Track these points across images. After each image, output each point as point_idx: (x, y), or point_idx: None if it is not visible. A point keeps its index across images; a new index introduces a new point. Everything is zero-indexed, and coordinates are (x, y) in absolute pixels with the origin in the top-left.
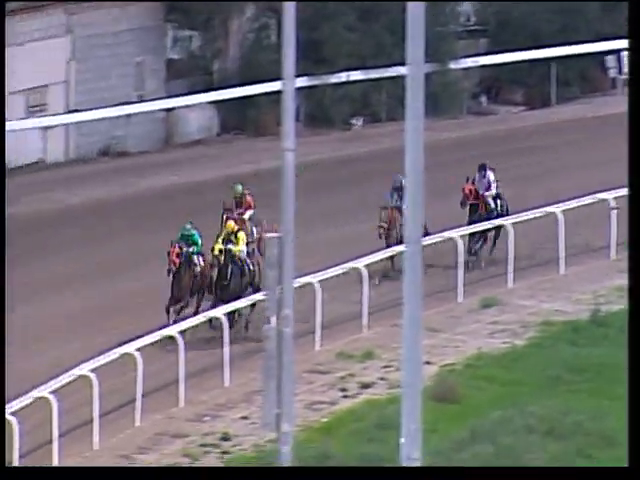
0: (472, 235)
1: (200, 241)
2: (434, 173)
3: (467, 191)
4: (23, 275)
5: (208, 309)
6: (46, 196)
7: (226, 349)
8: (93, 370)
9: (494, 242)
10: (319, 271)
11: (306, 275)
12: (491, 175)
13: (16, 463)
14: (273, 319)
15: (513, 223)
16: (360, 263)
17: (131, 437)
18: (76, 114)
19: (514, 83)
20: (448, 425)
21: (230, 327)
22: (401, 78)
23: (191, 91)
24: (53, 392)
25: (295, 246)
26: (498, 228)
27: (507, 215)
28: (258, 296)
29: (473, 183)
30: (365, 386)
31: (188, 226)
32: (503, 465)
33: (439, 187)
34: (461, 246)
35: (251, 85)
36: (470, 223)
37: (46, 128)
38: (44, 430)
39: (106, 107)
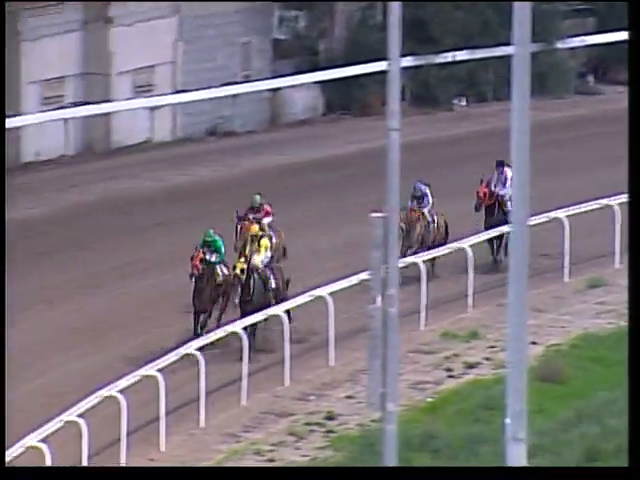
0: (490, 241)
1: (223, 248)
2: (542, 152)
3: (481, 194)
4: (140, 251)
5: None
6: (153, 175)
7: (331, 329)
8: (199, 349)
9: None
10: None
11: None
12: (508, 172)
13: (124, 439)
14: (378, 299)
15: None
16: (465, 243)
17: (237, 416)
18: (183, 94)
19: (621, 63)
20: (553, 405)
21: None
22: (507, 57)
23: (297, 71)
24: (160, 370)
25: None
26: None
27: None
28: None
29: (487, 185)
30: (470, 366)
31: (211, 231)
32: (607, 447)
33: (548, 166)
34: (567, 228)
35: (356, 65)
36: (487, 228)
37: (153, 108)
38: (151, 408)
39: (213, 87)
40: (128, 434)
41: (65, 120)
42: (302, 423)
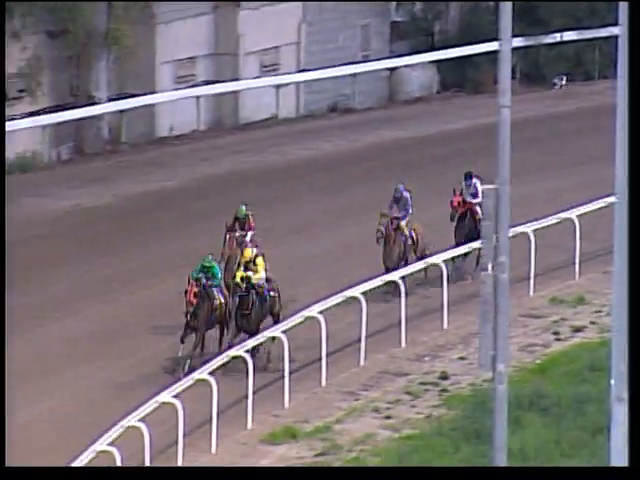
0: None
1: (220, 274)
2: None
3: (455, 203)
4: (265, 221)
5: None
6: (278, 149)
7: (445, 295)
8: (321, 312)
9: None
10: (534, 220)
11: (521, 225)
12: (477, 183)
13: (250, 398)
14: (489, 266)
15: None
16: (572, 213)
17: (356, 375)
18: (306, 73)
19: None
20: None
21: (252, 357)
22: (614, 38)
23: (413, 51)
24: (284, 332)
25: (511, 197)
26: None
27: None
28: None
29: (461, 194)
30: (577, 330)
31: (209, 258)
32: None
33: None
34: None
35: (470, 46)
36: (458, 234)
37: (278, 86)
38: (276, 365)
39: (334, 67)
40: (254, 392)
41: (197, 98)
42: (417, 382)
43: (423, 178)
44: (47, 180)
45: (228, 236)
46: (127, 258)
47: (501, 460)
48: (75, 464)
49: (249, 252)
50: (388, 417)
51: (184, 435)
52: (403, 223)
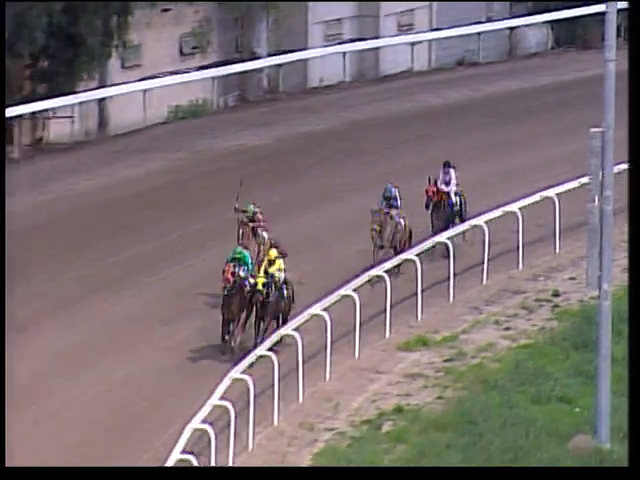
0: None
1: (251, 263)
2: None
3: (430, 193)
4: (399, 160)
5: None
6: (413, 97)
7: (557, 223)
8: (449, 238)
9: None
10: None
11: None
12: (452, 172)
13: (388, 312)
14: (596, 199)
15: None
16: None
17: (479, 292)
18: (437, 32)
19: None
20: None
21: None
22: None
23: (531, 12)
24: (417, 255)
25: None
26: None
27: (463, 214)
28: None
29: (435, 183)
30: None
31: (239, 249)
32: None
33: None
34: None
35: (580, 7)
36: (435, 221)
37: (413, 43)
38: (411, 285)
39: (461, 26)
40: (392, 307)
41: (343, 53)
42: (532, 299)
43: (540, 121)
44: (215, 124)
45: (241, 231)
46: (282, 191)
47: (605, 367)
48: (241, 365)
49: (273, 253)
50: (507, 329)
51: (332, 342)
52: (394, 212)
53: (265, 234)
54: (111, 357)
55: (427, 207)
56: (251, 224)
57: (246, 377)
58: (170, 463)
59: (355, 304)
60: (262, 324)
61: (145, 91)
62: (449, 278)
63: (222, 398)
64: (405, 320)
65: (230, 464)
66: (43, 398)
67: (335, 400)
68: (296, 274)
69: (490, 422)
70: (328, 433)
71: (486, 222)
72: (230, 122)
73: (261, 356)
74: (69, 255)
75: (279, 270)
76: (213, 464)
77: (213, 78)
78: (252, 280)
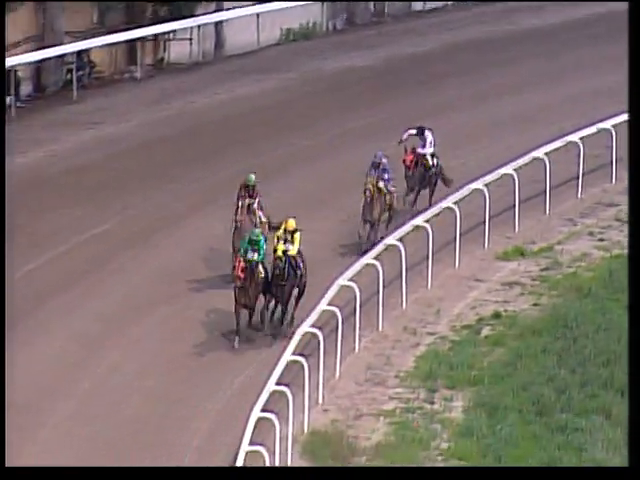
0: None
1: (265, 247)
2: None
3: (408, 162)
4: (494, 79)
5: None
6: (510, 20)
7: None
8: (546, 154)
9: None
10: None
11: None
12: (429, 136)
13: (487, 224)
14: None
15: None
16: None
17: (574, 205)
18: None
19: None
20: None
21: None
22: None
23: None
24: (515, 170)
25: None
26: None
27: (438, 176)
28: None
29: (413, 151)
30: None
31: (257, 231)
32: None
33: None
34: None
35: None
36: (410, 182)
37: None
38: (509, 199)
39: None
40: (490, 219)
41: None
42: (625, 212)
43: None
44: (324, 46)
45: (240, 203)
46: (388, 108)
47: None
48: (347, 273)
49: (292, 223)
50: (601, 240)
51: (433, 253)
52: (382, 184)
53: (261, 213)
54: None
55: (406, 176)
56: (247, 200)
57: (352, 284)
58: (282, 364)
59: (455, 216)
60: (280, 306)
61: (258, 15)
62: (545, 192)
63: (330, 304)
64: (503, 232)
65: (338, 365)
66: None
67: (436, 306)
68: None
69: (584, 327)
70: (430, 337)
71: (581, 139)
72: (338, 44)
73: (367, 264)
74: (191, 165)
75: (298, 242)
76: (322, 365)
77: (323, 2)
78: (262, 272)
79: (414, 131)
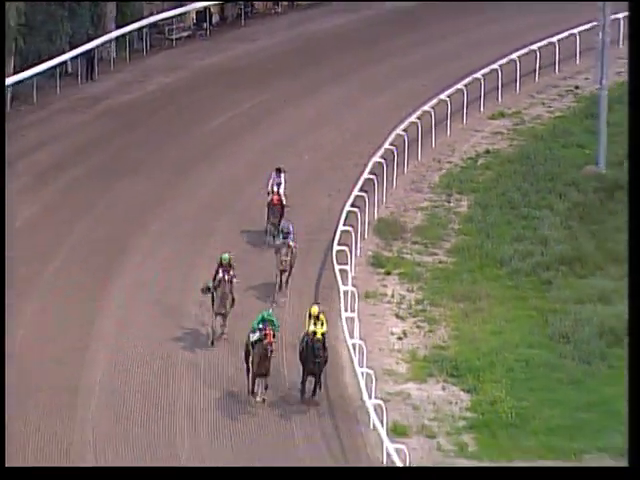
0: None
1: (277, 323)
2: None
3: (276, 201)
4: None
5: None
6: None
7: (577, 45)
8: (518, 57)
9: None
10: None
11: None
12: (282, 176)
13: None
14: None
15: None
16: None
17: (535, 86)
18: None
19: None
20: None
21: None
22: None
23: None
24: (497, 67)
25: None
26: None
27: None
28: None
29: (277, 192)
30: None
31: (268, 312)
32: None
33: None
34: None
35: None
36: (272, 216)
37: None
38: (495, 84)
39: None
40: (485, 96)
41: None
42: (564, 90)
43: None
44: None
45: (221, 271)
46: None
47: (603, 115)
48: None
49: (316, 309)
50: (549, 107)
51: (451, 116)
52: (290, 242)
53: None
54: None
55: (268, 209)
56: (228, 275)
57: (402, 133)
58: (362, 180)
59: (463, 94)
60: (314, 378)
61: None
62: (515, 80)
63: (390, 145)
64: (492, 103)
65: (394, 180)
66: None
67: (452, 146)
68: None
69: (538, 158)
70: (448, 164)
71: (539, 48)
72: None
73: (410, 122)
74: (313, 63)
75: (323, 324)
76: (385, 180)
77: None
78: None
79: (274, 174)
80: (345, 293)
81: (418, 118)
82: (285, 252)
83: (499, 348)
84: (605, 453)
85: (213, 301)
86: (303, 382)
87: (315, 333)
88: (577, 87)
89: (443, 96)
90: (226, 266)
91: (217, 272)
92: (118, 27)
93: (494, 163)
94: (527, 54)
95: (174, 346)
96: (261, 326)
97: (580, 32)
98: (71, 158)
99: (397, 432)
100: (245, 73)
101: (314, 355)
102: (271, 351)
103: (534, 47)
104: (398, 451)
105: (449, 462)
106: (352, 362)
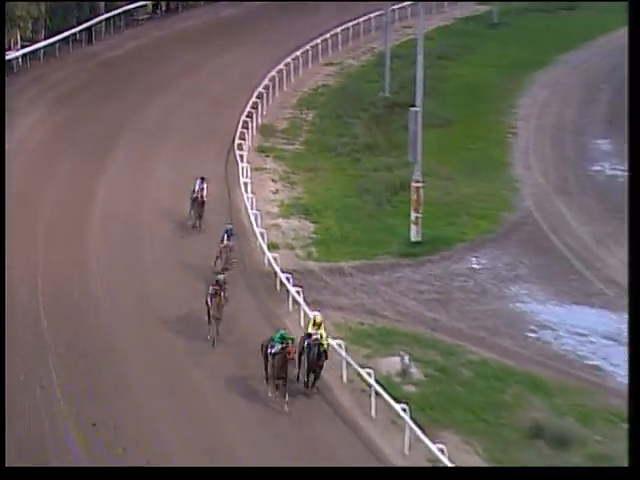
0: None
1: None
2: None
3: (199, 199)
4: None
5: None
6: None
7: None
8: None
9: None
10: None
11: None
12: (204, 184)
13: None
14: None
15: None
16: None
17: (345, 50)
18: None
19: None
20: None
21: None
22: None
23: None
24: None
25: None
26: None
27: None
28: None
29: (201, 194)
30: None
31: (285, 332)
32: None
33: None
34: None
35: None
36: (195, 211)
37: None
38: (331, 45)
39: None
40: (320, 54)
41: None
42: (369, 52)
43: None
44: None
45: (214, 290)
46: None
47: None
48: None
49: (319, 318)
50: (360, 60)
51: (303, 67)
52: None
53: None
54: None
55: (192, 205)
56: (221, 290)
57: (274, 74)
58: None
59: (309, 51)
60: (314, 375)
61: None
62: (338, 44)
63: (268, 82)
64: (325, 58)
65: (271, 102)
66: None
67: (303, 82)
68: None
69: (351, 89)
70: (301, 93)
71: (352, 25)
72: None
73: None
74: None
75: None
76: (266, 101)
77: None
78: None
79: (199, 181)
80: (243, 168)
81: (284, 65)
82: (230, 249)
83: (330, 198)
84: (389, 255)
85: (209, 311)
86: (302, 375)
87: (320, 341)
88: (373, 48)
89: (298, 53)
90: (220, 284)
91: (210, 287)
92: (107, 12)
93: (327, 92)
94: (345, 29)
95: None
96: (283, 343)
97: (374, 16)
98: (78, 89)
99: (273, 247)
100: (181, 41)
101: (318, 359)
102: (291, 359)
103: (349, 25)
104: (275, 258)
105: (302, 264)
106: (247, 208)
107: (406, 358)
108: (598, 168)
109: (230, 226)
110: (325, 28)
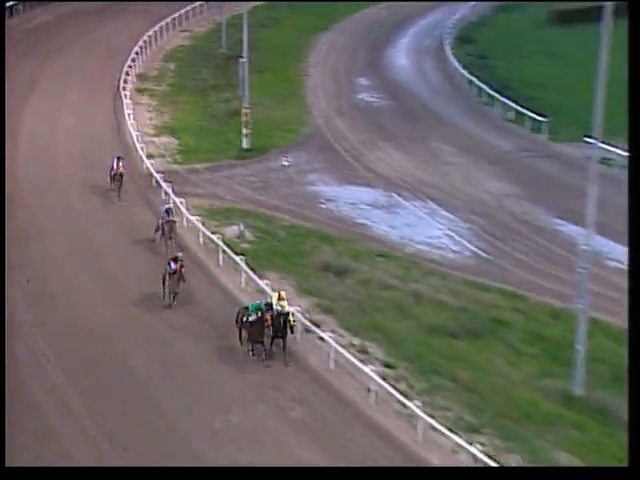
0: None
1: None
2: None
3: (117, 172)
4: None
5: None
6: None
7: None
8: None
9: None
10: None
11: None
12: (122, 162)
13: None
14: None
15: None
16: None
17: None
18: None
19: None
20: None
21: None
22: None
23: None
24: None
25: None
26: None
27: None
28: None
29: (117, 166)
30: None
31: (258, 304)
32: None
33: None
34: None
35: None
36: (115, 183)
37: None
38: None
39: None
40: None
41: None
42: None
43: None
44: None
45: (173, 266)
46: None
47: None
48: None
49: (284, 295)
50: (188, 31)
51: (157, 38)
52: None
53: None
54: None
55: (111, 180)
56: (174, 266)
57: (145, 38)
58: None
59: (169, 23)
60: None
61: None
62: (195, 15)
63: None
64: (182, 26)
65: (140, 62)
66: None
67: (167, 44)
68: None
69: (201, 48)
70: (166, 51)
71: (199, 5)
72: None
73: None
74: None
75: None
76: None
77: None
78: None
79: (116, 159)
80: (126, 104)
81: (154, 32)
82: (170, 227)
83: (189, 122)
84: (228, 158)
85: (164, 282)
86: (271, 342)
87: (287, 314)
88: (215, 20)
89: (162, 23)
90: (179, 260)
91: (169, 263)
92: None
93: (184, 50)
94: (192, 9)
95: None
96: (259, 314)
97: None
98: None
99: (149, 156)
100: (73, 20)
101: (283, 329)
102: (267, 326)
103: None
104: (152, 164)
105: (170, 167)
106: (130, 130)
107: (242, 226)
108: (360, 97)
109: (168, 205)
110: (176, 7)
